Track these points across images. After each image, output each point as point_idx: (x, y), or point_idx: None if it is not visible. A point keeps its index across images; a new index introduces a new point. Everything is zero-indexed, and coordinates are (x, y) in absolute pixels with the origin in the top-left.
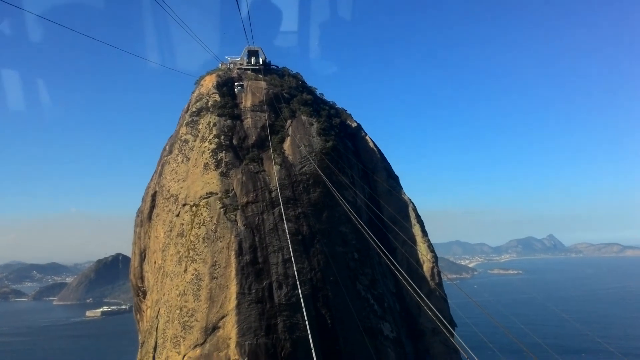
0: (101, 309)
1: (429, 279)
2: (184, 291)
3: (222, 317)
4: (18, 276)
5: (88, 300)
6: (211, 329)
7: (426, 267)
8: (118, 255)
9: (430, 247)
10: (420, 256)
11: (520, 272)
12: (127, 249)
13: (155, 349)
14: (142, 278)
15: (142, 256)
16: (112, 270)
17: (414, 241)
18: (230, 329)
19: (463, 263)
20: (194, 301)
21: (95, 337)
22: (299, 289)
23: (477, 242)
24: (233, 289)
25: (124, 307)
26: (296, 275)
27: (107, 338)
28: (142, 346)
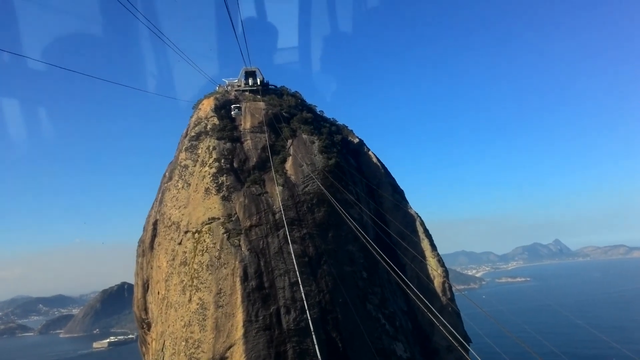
0: (108, 340)
1: (440, 294)
2: (189, 322)
3: (230, 347)
4: (24, 310)
5: (95, 332)
6: None
7: (437, 282)
8: (123, 284)
9: (441, 261)
10: (430, 271)
11: (529, 279)
12: (132, 278)
13: None
14: (146, 310)
15: (145, 287)
16: (117, 300)
17: (424, 256)
18: (238, 358)
19: (470, 273)
20: (200, 332)
21: None
22: (308, 313)
23: (483, 251)
24: (240, 316)
25: (130, 336)
26: (304, 299)
27: None
28: None
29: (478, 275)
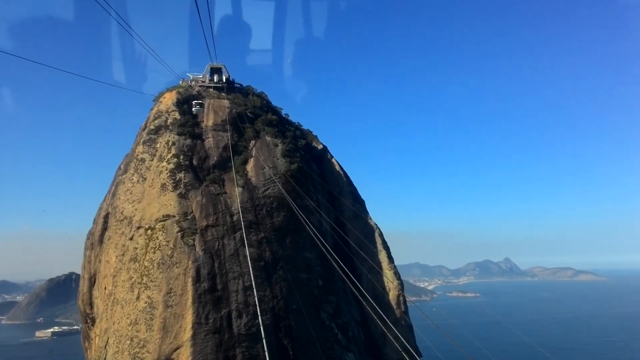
0: (52, 330)
1: (394, 306)
2: (136, 320)
3: (176, 349)
4: None
5: (39, 320)
6: None
7: (392, 294)
8: (71, 274)
9: (397, 274)
10: (386, 283)
11: (478, 294)
12: (80, 269)
13: None
14: (91, 304)
15: (92, 281)
16: (64, 290)
17: (380, 268)
18: None
19: (422, 285)
20: (146, 331)
21: (44, 359)
22: (260, 318)
23: (436, 265)
24: (189, 318)
25: (75, 327)
26: (257, 304)
27: None
28: None
29: (430, 287)
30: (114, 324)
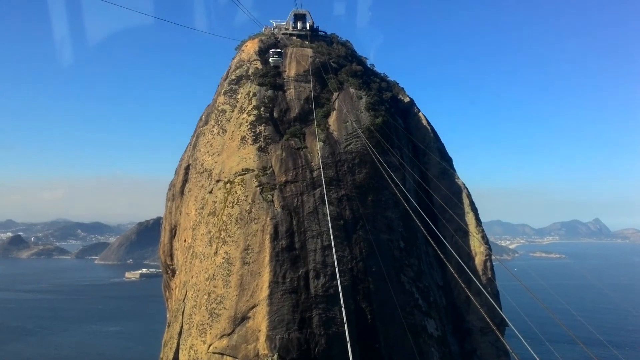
0: (140, 271)
1: (481, 272)
2: (214, 275)
3: (253, 307)
4: (63, 234)
5: (128, 262)
6: (240, 319)
7: (479, 259)
8: (159, 218)
9: (485, 238)
10: (472, 247)
11: (564, 256)
12: None
13: (180, 334)
14: (171, 255)
15: (173, 232)
16: (152, 233)
17: (467, 230)
18: (260, 320)
19: (503, 244)
20: (224, 287)
21: (132, 299)
22: (338, 280)
23: (518, 223)
24: (266, 276)
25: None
26: (336, 265)
27: (144, 301)
28: (168, 327)
29: (512, 246)
30: (192, 278)
